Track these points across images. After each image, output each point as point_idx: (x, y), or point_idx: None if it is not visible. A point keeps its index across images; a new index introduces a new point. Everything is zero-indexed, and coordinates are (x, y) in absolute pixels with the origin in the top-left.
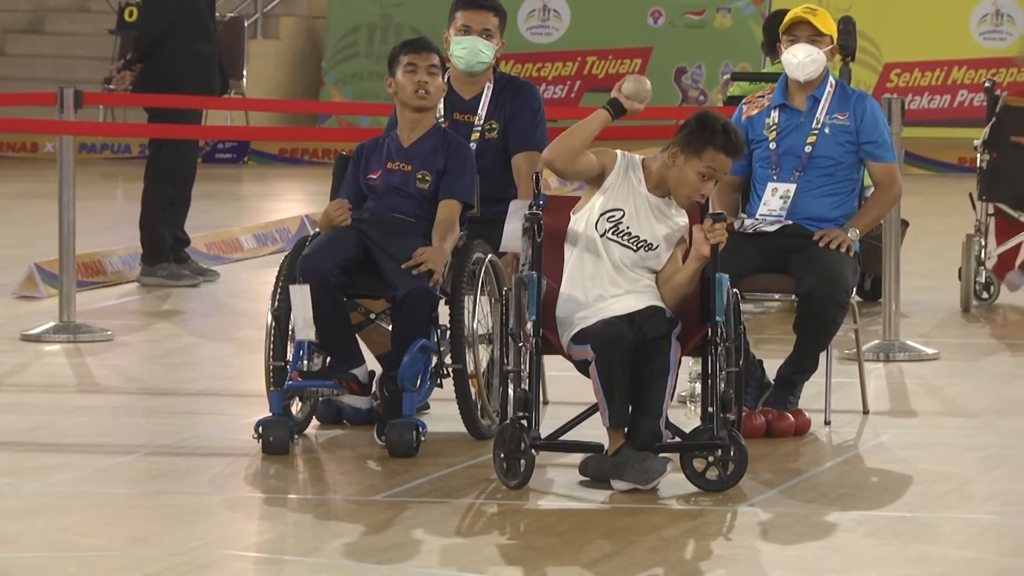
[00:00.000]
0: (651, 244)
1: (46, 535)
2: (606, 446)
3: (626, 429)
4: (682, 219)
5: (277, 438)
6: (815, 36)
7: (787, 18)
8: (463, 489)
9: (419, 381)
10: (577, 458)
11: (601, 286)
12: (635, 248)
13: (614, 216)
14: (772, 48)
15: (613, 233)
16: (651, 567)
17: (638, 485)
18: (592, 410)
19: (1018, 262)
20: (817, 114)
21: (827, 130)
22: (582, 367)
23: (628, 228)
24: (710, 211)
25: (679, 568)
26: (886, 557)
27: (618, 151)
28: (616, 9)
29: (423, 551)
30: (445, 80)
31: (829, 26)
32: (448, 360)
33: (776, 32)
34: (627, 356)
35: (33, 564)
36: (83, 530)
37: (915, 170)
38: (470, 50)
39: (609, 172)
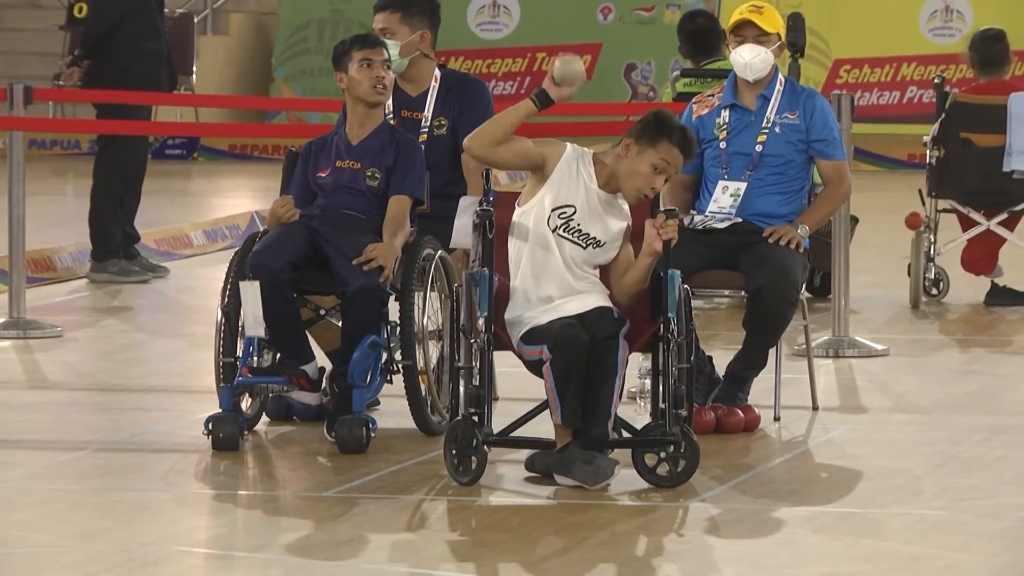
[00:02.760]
0: (600, 241)
1: None
2: (561, 442)
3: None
4: (622, 218)
5: (227, 434)
6: (761, 36)
7: (733, 18)
8: (413, 485)
9: (369, 377)
10: (526, 453)
11: (551, 286)
12: (584, 245)
13: (565, 212)
14: (694, 51)
15: (564, 230)
16: (602, 563)
17: (585, 485)
18: (542, 407)
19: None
20: (767, 113)
21: (777, 129)
22: (534, 366)
23: (579, 225)
24: (661, 208)
25: (630, 564)
26: (835, 553)
27: (569, 144)
28: (566, 5)
29: (373, 547)
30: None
31: (776, 24)
32: (398, 356)
33: (700, 32)
34: (583, 358)
35: None
36: (33, 527)
37: (865, 167)
38: (394, 58)
39: (554, 164)
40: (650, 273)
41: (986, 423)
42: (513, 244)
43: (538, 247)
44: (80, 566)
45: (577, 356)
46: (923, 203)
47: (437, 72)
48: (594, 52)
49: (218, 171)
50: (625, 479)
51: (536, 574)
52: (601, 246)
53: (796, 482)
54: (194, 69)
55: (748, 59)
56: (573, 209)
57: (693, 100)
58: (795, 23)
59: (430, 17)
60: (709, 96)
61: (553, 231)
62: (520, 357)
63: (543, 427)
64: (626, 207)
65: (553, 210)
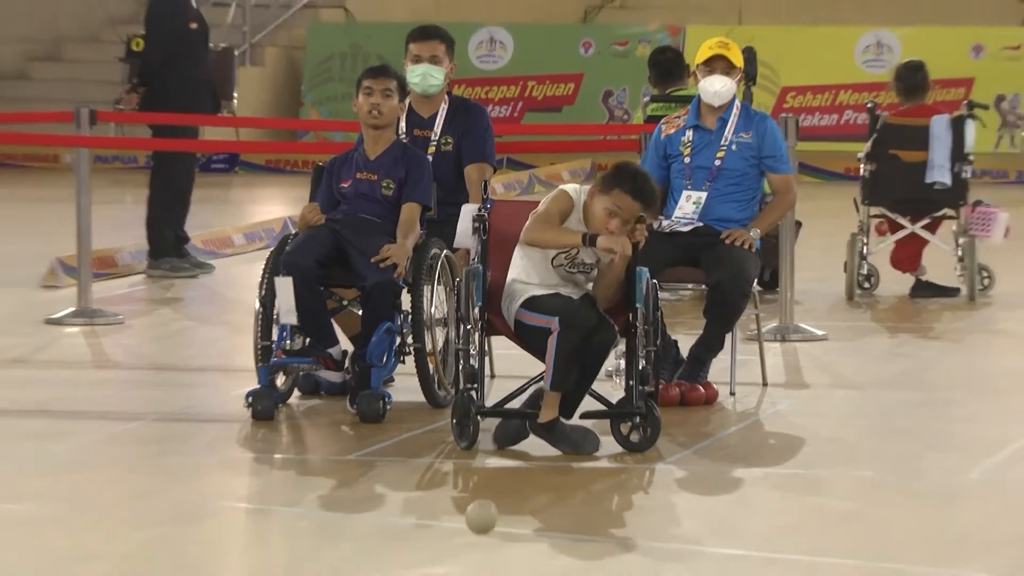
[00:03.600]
0: (593, 265)
1: (67, 490)
2: (540, 413)
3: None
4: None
5: (264, 407)
6: (728, 68)
7: (704, 53)
8: (422, 450)
9: (385, 358)
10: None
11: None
12: (587, 272)
13: (569, 254)
14: (660, 79)
15: (569, 267)
16: (582, 517)
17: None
18: (528, 385)
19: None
20: (725, 133)
21: (734, 147)
22: (532, 331)
23: (580, 258)
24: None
25: (606, 518)
26: (783, 508)
27: (571, 194)
28: (552, 40)
29: (387, 503)
30: (406, 102)
31: (739, 59)
32: (410, 340)
33: (668, 63)
34: (579, 341)
35: (57, 515)
36: (98, 486)
37: (807, 179)
38: (423, 75)
39: (570, 214)
40: (623, 270)
41: (911, 398)
42: (522, 255)
43: (541, 269)
44: (139, 519)
45: (582, 336)
46: (857, 210)
47: (446, 97)
48: (577, 80)
49: (255, 182)
50: (603, 444)
51: (526, 526)
52: (595, 268)
53: (749, 447)
54: (235, 95)
55: (717, 88)
56: (576, 250)
57: (662, 121)
58: (749, 55)
59: (454, 52)
60: (676, 118)
61: (556, 267)
62: (515, 332)
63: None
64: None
65: (558, 253)
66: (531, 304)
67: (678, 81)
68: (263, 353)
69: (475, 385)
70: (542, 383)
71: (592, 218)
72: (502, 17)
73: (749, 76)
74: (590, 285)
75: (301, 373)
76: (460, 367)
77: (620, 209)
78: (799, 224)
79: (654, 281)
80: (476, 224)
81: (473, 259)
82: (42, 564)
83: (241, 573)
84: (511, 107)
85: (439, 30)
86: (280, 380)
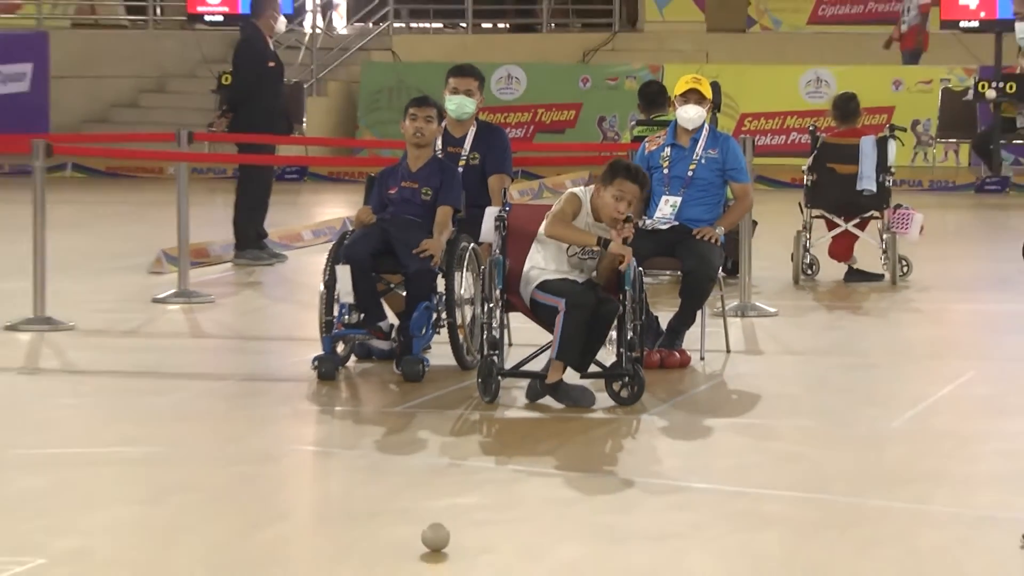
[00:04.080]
0: (599, 252)
1: (167, 436)
2: (548, 375)
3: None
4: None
5: (327, 369)
6: (700, 99)
7: (680, 87)
8: (454, 404)
9: (424, 330)
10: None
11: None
12: (594, 257)
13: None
14: (647, 107)
15: (581, 255)
16: (582, 457)
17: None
18: (538, 352)
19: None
20: (696, 150)
21: (703, 161)
22: (544, 309)
23: (590, 248)
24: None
25: (600, 458)
26: (743, 450)
27: (579, 195)
28: (557, 76)
29: (426, 446)
30: (442, 125)
31: (708, 91)
32: (443, 316)
33: (653, 93)
34: (588, 316)
35: (159, 455)
36: (193, 433)
37: (761, 187)
38: (459, 104)
39: (579, 211)
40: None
41: (845, 362)
42: (538, 249)
43: (557, 259)
44: (226, 459)
45: (586, 315)
46: (801, 212)
47: (474, 121)
48: (577, 108)
49: (320, 189)
50: (600, 399)
51: (536, 464)
52: (595, 258)
53: (715, 402)
54: (304, 120)
55: (691, 115)
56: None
57: (646, 140)
58: (715, 89)
59: (483, 86)
60: (657, 138)
61: (571, 256)
62: (530, 310)
63: (539, 364)
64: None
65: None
66: (544, 286)
67: (660, 108)
68: (326, 326)
69: (496, 351)
70: (550, 351)
71: (603, 207)
72: (517, 58)
73: (715, 105)
74: (594, 273)
75: (356, 342)
76: (484, 337)
77: (624, 193)
78: (755, 223)
79: (640, 268)
80: (497, 223)
81: (495, 251)
82: (147, 494)
83: (309, 502)
84: (524, 129)
85: (474, 69)
86: (340, 347)
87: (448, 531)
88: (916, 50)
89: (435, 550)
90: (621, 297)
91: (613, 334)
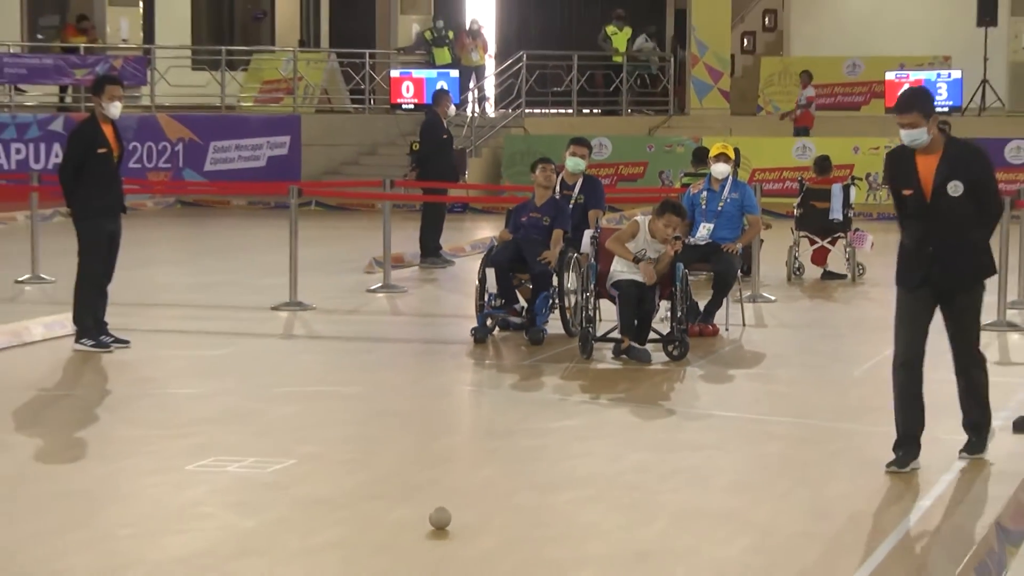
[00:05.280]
0: (654, 259)
1: (372, 380)
2: (623, 342)
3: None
4: (662, 246)
5: (481, 336)
6: (727, 159)
7: (714, 151)
8: (563, 359)
9: (544, 311)
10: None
11: (630, 271)
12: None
13: (642, 252)
14: (698, 162)
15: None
16: (645, 394)
17: (639, 362)
18: (614, 328)
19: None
20: (723, 193)
21: (728, 200)
22: (614, 299)
23: (648, 255)
24: (675, 234)
25: (659, 394)
26: (755, 390)
27: (639, 222)
28: (632, 144)
29: (547, 386)
30: (559, 175)
31: (732, 155)
32: (556, 301)
33: (699, 155)
34: (635, 300)
35: (366, 392)
36: (391, 378)
37: (766, 217)
38: (575, 163)
39: (637, 234)
40: (667, 265)
41: (822, 332)
42: (616, 260)
43: (627, 263)
44: (414, 394)
45: (631, 302)
46: (792, 233)
47: (582, 174)
48: (644, 165)
49: (477, 219)
50: (657, 357)
51: (617, 399)
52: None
53: (735, 358)
54: (466, 172)
55: (721, 170)
56: (644, 251)
57: (691, 186)
58: (737, 152)
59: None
60: (698, 184)
61: (635, 261)
62: (610, 296)
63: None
64: (662, 247)
65: (636, 250)
66: (616, 284)
67: (703, 164)
68: (479, 308)
69: (591, 325)
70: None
71: (657, 230)
72: (606, 132)
73: (736, 163)
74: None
75: (500, 318)
76: (583, 315)
77: (671, 222)
78: (762, 241)
79: (685, 270)
80: (592, 240)
81: (590, 259)
82: (360, 417)
83: (468, 423)
84: (611, 179)
85: (586, 140)
86: (488, 322)
87: (450, 514)
88: (804, 127)
89: (439, 528)
90: (674, 289)
91: (667, 313)
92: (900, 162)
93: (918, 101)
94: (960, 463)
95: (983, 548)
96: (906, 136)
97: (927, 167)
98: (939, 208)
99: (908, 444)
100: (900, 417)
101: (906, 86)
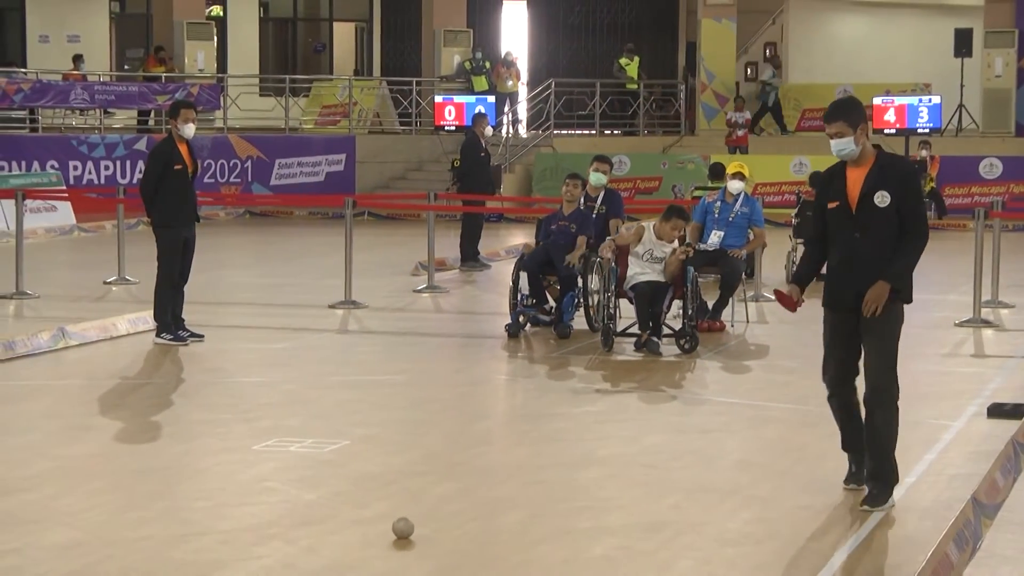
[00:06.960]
0: (661, 259)
1: (417, 369)
2: (642, 336)
3: (642, 334)
4: (669, 248)
5: (514, 331)
6: (743, 178)
7: (731, 169)
8: (587, 351)
9: (570, 309)
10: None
11: (644, 272)
12: (659, 261)
13: (649, 252)
14: (713, 177)
15: (649, 259)
16: (659, 381)
17: (653, 354)
18: (634, 323)
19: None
20: (736, 206)
21: (739, 214)
22: (631, 300)
23: (655, 255)
24: (687, 241)
25: (672, 383)
26: (758, 378)
27: (644, 226)
28: (648, 161)
29: (571, 376)
30: (584, 189)
31: (748, 173)
32: (581, 300)
33: (715, 170)
34: (648, 299)
35: (413, 380)
36: (433, 368)
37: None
38: (597, 179)
39: (643, 236)
40: (680, 267)
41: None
42: (630, 260)
43: (640, 264)
44: (453, 383)
45: (644, 301)
46: (790, 240)
47: (604, 187)
48: (659, 180)
49: (511, 228)
50: (670, 350)
51: (635, 387)
52: (660, 260)
53: (739, 351)
54: (501, 186)
55: (737, 187)
56: (651, 251)
57: (705, 194)
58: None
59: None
60: (712, 194)
61: (644, 260)
62: (628, 296)
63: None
64: (667, 247)
65: (644, 251)
66: (632, 285)
67: (720, 178)
68: (512, 306)
69: (611, 321)
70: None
71: (664, 232)
72: (625, 150)
73: (745, 179)
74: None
75: (531, 315)
76: (605, 312)
77: (678, 224)
78: (764, 246)
79: (695, 273)
80: (612, 246)
81: (611, 263)
82: (408, 403)
83: (503, 408)
84: (630, 191)
85: (608, 158)
86: (520, 319)
87: (412, 524)
88: (744, 146)
89: (402, 537)
90: (685, 289)
91: (679, 311)
92: (831, 178)
93: (844, 110)
94: (940, 444)
95: (961, 520)
96: (834, 146)
97: (856, 179)
98: (864, 221)
99: (859, 459)
100: (844, 436)
101: (891, 109)
